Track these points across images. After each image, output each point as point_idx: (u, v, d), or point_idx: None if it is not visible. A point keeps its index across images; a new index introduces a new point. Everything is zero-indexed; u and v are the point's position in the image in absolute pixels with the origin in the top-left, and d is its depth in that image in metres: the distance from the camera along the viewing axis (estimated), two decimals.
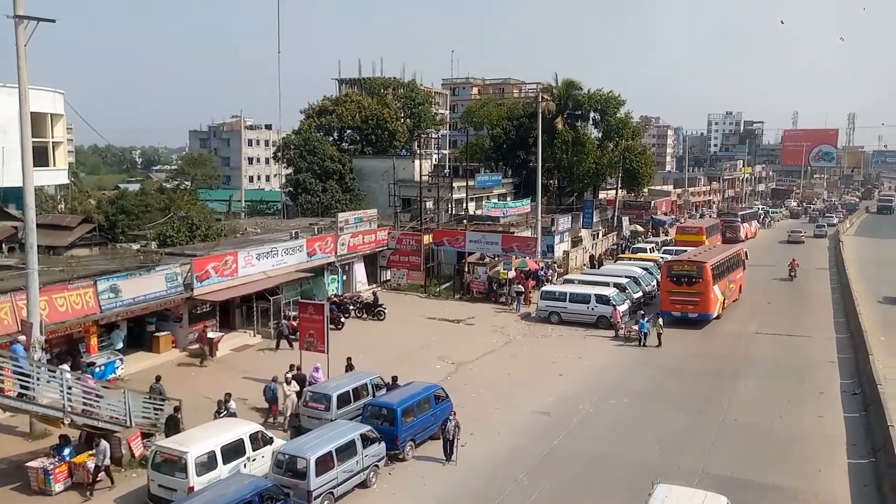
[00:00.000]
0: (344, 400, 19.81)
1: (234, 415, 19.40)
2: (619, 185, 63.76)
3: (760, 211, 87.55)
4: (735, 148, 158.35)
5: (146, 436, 18.42)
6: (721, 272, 34.61)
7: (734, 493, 16.34)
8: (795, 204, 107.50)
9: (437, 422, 19.28)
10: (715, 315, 33.35)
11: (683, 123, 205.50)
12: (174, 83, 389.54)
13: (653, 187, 77.59)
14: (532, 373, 25.98)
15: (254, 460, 16.85)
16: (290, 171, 53.57)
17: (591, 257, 49.52)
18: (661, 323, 29.78)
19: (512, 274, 37.87)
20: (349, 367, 23.00)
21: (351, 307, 33.72)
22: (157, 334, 26.68)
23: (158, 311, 26.43)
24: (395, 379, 21.53)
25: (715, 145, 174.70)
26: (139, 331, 26.69)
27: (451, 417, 18.52)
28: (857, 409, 21.92)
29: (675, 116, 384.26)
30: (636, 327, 29.93)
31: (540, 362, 27.26)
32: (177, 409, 18.99)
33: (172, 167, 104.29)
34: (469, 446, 18.82)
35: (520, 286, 36.19)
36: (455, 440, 18.28)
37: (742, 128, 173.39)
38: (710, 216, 77.69)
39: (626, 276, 37.20)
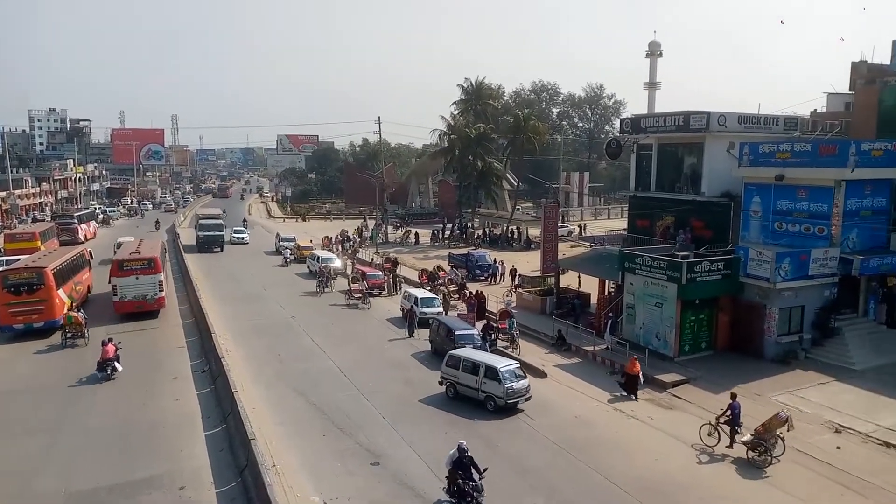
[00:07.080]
0: None
1: None
2: None
3: (98, 211, 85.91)
4: (63, 146, 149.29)
5: None
6: (65, 275, 33.34)
7: (104, 502, 16.00)
8: (130, 201, 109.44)
9: None
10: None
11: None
12: None
13: None
14: None
15: None
16: None
17: None
18: None
19: None
20: None
21: None
22: None
23: None
24: None
25: (41, 144, 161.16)
26: None
27: None
28: (208, 385, 24.09)
29: None
30: None
31: None
32: None
33: None
34: None
35: None
36: None
37: (69, 126, 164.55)
38: (44, 219, 72.05)
39: None
